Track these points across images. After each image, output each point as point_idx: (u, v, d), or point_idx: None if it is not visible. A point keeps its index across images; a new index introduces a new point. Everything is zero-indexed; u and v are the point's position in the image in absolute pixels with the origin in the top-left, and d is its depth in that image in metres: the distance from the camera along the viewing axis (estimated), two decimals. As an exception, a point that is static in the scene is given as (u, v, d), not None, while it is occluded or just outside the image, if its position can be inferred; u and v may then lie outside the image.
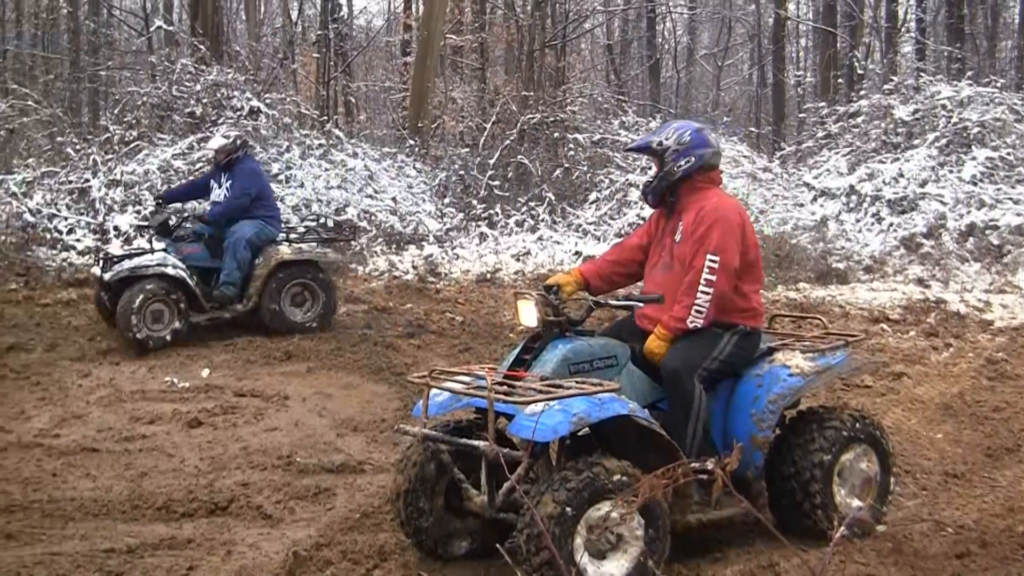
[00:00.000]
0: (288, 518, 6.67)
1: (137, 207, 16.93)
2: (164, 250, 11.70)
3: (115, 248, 12.42)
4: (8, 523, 6.46)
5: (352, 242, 15.53)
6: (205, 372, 10.43)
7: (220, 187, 12.27)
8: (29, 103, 20.81)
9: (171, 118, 20.04)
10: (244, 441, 8.23)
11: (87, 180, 17.51)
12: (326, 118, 22.00)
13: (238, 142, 12.29)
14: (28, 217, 16.45)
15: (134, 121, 19.94)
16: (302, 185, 18.31)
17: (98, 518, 6.60)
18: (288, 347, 11.34)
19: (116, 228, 16.45)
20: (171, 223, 12.10)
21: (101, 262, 11.88)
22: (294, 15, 35.48)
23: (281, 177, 18.44)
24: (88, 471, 7.51)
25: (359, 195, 18.61)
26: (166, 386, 9.91)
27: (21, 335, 11.87)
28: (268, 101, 20.18)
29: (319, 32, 30.31)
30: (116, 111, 20.91)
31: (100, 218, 16.73)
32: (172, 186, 15.67)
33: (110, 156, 18.36)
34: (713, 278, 5.89)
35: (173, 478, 7.34)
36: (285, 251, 12.12)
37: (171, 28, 26.81)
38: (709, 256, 5.91)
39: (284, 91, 22.42)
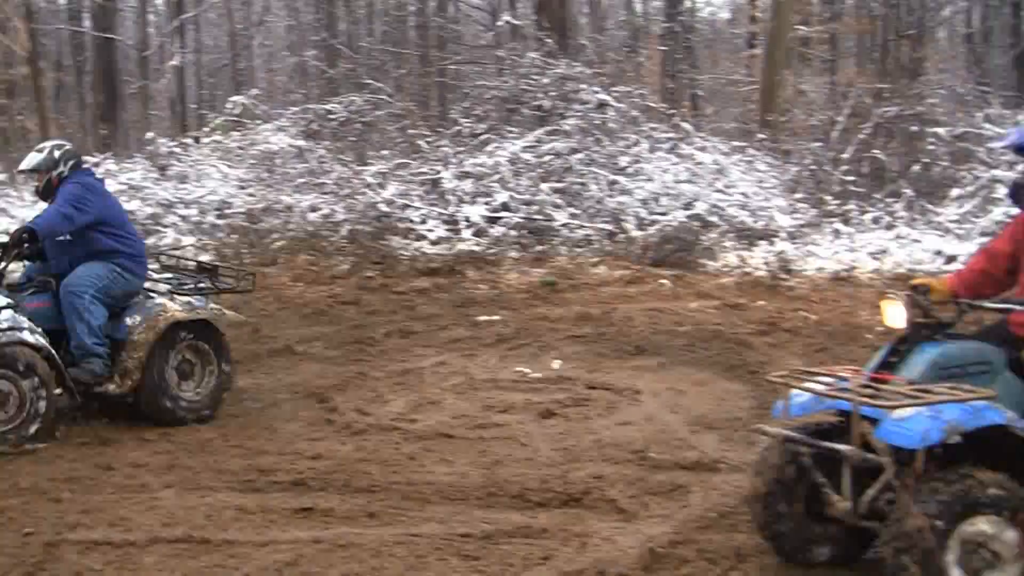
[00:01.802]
0: (642, 513, 6.49)
1: (487, 199, 17.22)
2: (10, 306, 8.00)
3: None
4: (369, 503, 6.59)
5: (250, 293, 10.00)
6: (556, 364, 10.40)
7: None
8: (382, 97, 21.50)
9: (519, 111, 20.30)
10: (596, 434, 8.12)
11: (438, 172, 17.95)
12: (674, 111, 21.80)
13: (55, 153, 8.68)
14: (383, 207, 17.02)
15: (483, 114, 20.31)
16: (650, 179, 18.18)
17: (454, 503, 6.63)
18: (639, 341, 11.22)
19: (467, 219, 16.79)
20: None
21: None
22: (638, 8, 35.54)
23: (630, 170, 18.37)
24: (444, 456, 7.58)
25: (708, 189, 18.34)
26: (518, 376, 9.94)
27: (378, 321, 12.29)
28: (615, 94, 20.14)
29: (664, 24, 30.23)
30: (465, 105, 21.38)
31: (451, 209, 17.11)
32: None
33: (460, 149, 18.77)
34: None
35: (527, 467, 7.30)
36: (174, 308, 8.65)
37: (518, 22, 27.25)
38: None
39: (631, 84, 22.34)
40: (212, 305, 9.00)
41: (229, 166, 19.03)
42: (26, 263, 8.79)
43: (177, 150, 19.89)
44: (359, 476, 7.07)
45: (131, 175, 18.64)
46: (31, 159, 8.72)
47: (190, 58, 32.46)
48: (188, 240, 16.64)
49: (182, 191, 18.15)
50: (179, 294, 8.87)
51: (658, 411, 8.82)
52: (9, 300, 8.01)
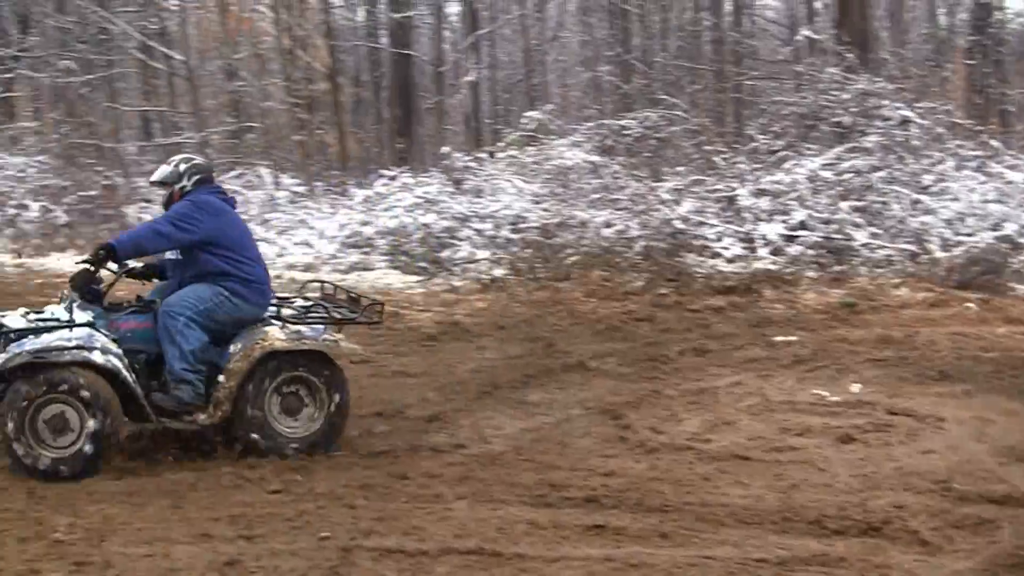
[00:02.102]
0: (946, 547, 6.23)
1: (784, 217, 16.91)
2: (90, 323, 7.79)
3: (12, 318, 8.01)
4: (662, 523, 6.55)
5: (380, 325, 9.19)
6: (855, 387, 10.06)
7: None
8: (677, 113, 21.42)
9: (817, 128, 19.89)
10: (898, 461, 7.82)
11: (734, 189, 17.76)
12: (981, 128, 20.93)
13: (181, 167, 8.36)
14: (677, 224, 16.93)
15: (780, 131, 19.99)
16: (956, 199, 17.50)
17: (749, 526, 6.52)
18: (942, 366, 10.77)
19: (763, 237, 16.54)
20: (97, 282, 8.07)
21: None
22: (943, 20, 34.34)
23: (934, 189, 17.74)
24: (738, 478, 7.45)
25: (1018, 210, 17.50)
26: (815, 399, 9.66)
27: (672, 339, 12.23)
28: (919, 111, 19.49)
29: (971, 37, 29.13)
30: (762, 121, 21.09)
31: (747, 227, 16.88)
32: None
33: (757, 165, 18.52)
34: None
35: (824, 493, 7.11)
36: (276, 337, 8.07)
37: (817, 36, 26.73)
38: None
39: (935, 100, 21.58)
40: (327, 336, 8.24)
41: (524, 181, 19.31)
42: (151, 283, 8.68)
43: (472, 164, 20.37)
44: (652, 495, 7.03)
45: (427, 189, 19.21)
46: (159, 171, 8.51)
47: (485, 74, 33.13)
48: (482, 254, 16.99)
49: (477, 205, 18.56)
50: (291, 323, 8.22)
51: (963, 440, 8.43)
52: (90, 318, 7.79)
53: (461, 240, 17.55)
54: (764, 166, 18.44)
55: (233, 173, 21.95)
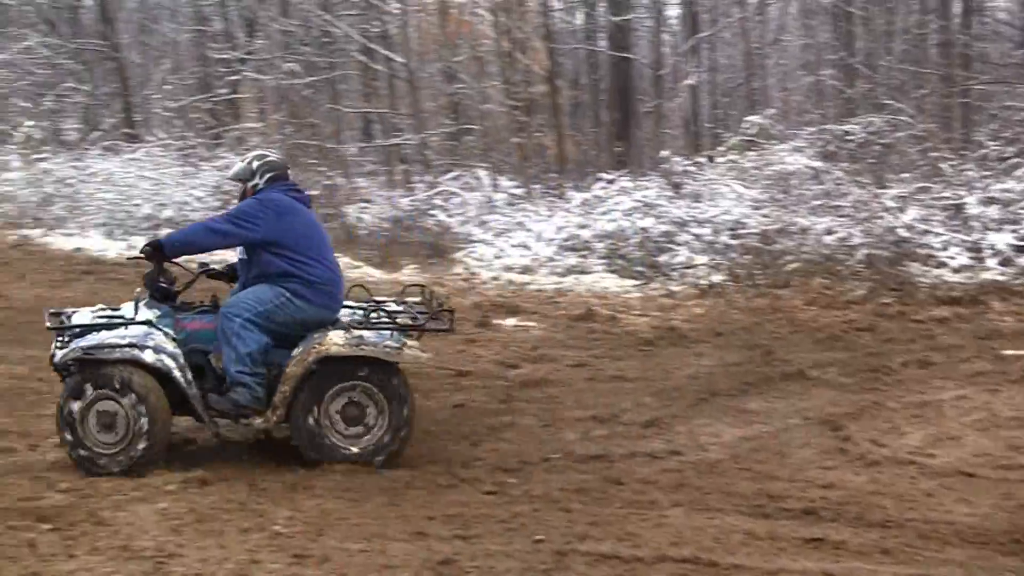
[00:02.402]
0: None
1: (1014, 227, 16.33)
2: (148, 322, 7.76)
3: (81, 314, 8.12)
4: (883, 538, 6.44)
5: (450, 333, 8.69)
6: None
7: None
8: (902, 118, 20.91)
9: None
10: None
11: (961, 197, 17.24)
12: None
13: (254, 164, 8.23)
14: (901, 232, 16.53)
15: (1011, 137, 19.36)
16: None
17: (976, 546, 6.34)
18: None
19: (992, 247, 16.01)
20: (169, 281, 8.12)
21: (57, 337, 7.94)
22: None
23: None
24: (963, 495, 7.25)
25: None
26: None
27: (895, 350, 11.93)
28: None
29: None
30: (992, 127, 20.46)
31: (974, 236, 16.37)
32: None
33: (986, 173, 17.95)
34: None
35: (1047, 515, 6.85)
36: (335, 340, 7.70)
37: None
38: None
39: None
40: (389, 343, 7.80)
41: (744, 186, 19.07)
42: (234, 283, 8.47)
43: (691, 169, 20.20)
44: (873, 509, 6.92)
45: (646, 192, 19.11)
46: (233, 168, 8.46)
47: (704, 77, 32.81)
48: (700, 259, 16.86)
49: (695, 210, 18.39)
50: (354, 327, 7.87)
51: None
52: (153, 317, 7.77)
53: (679, 245, 17.45)
54: (994, 173, 17.83)
55: (451, 175, 22.28)
